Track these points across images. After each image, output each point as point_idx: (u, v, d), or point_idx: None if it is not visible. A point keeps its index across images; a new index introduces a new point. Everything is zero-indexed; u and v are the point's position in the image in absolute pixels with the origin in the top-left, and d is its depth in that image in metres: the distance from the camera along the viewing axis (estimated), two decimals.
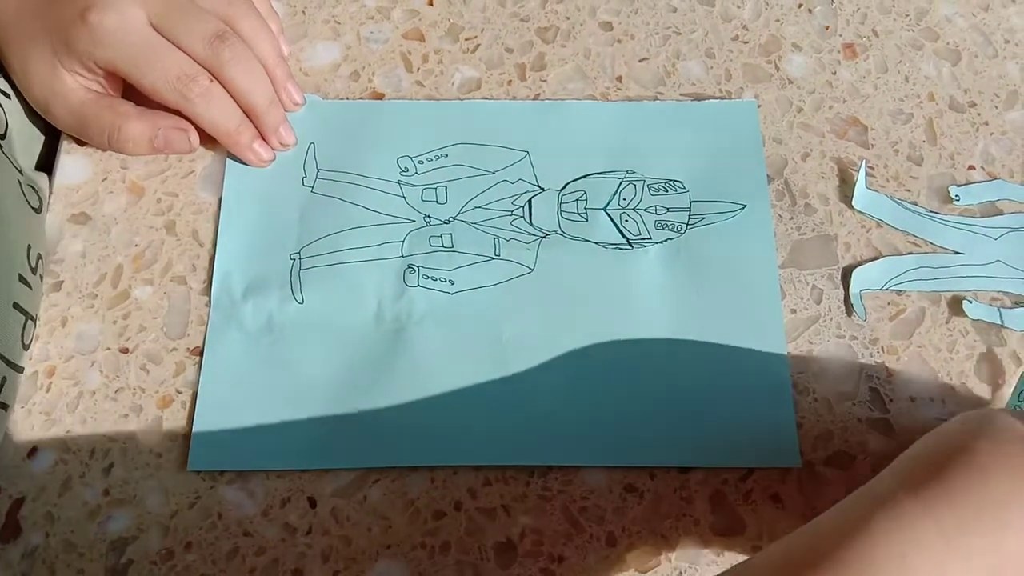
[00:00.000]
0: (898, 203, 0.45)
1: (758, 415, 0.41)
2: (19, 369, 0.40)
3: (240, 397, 0.41)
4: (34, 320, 0.41)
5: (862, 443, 0.41)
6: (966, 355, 0.43)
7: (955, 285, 0.44)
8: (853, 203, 0.45)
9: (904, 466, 0.33)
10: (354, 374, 0.41)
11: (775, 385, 0.41)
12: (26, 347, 0.41)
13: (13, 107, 0.44)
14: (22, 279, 0.40)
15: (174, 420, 0.40)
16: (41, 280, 0.42)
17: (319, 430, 0.40)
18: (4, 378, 0.39)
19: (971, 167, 0.47)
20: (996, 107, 0.48)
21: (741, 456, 0.40)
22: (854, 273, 0.44)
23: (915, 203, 0.45)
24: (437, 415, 0.40)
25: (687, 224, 0.45)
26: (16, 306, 0.39)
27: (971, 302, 0.43)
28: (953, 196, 0.45)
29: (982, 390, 0.42)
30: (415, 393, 0.41)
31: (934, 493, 0.31)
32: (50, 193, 0.45)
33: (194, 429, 0.40)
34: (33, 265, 0.41)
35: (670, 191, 0.45)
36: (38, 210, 0.42)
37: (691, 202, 0.45)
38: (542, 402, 0.41)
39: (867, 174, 0.46)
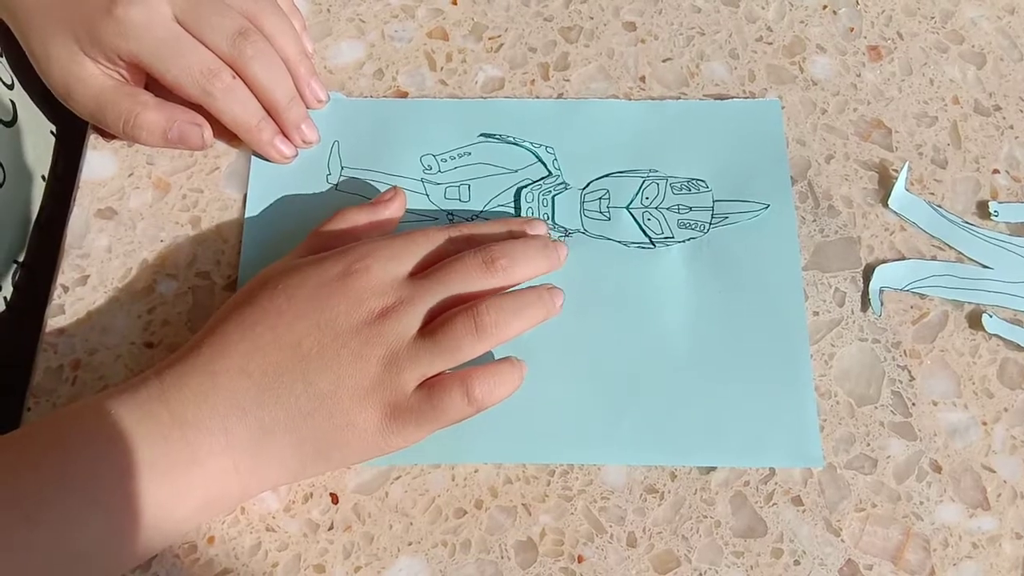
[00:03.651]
0: (935, 209, 0.45)
1: (780, 415, 0.41)
2: None
3: None
4: None
5: (884, 447, 0.41)
6: (989, 360, 0.42)
7: (978, 298, 0.43)
8: (889, 203, 0.45)
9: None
10: None
11: (797, 385, 0.41)
12: None
13: (20, 97, 0.45)
14: None
15: None
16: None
17: None
18: None
19: (996, 171, 0.46)
20: (1021, 111, 0.48)
21: (763, 456, 0.40)
22: (877, 269, 0.44)
23: (951, 211, 0.45)
24: None
25: (710, 223, 0.45)
26: None
27: (991, 316, 0.43)
28: (992, 211, 0.45)
29: (1005, 395, 0.42)
30: None
31: (173, 361, 0.36)
32: (76, 189, 0.45)
33: None
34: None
35: (693, 190, 0.45)
36: (9, 123, 0.42)
37: (714, 201, 0.45)
38: (564, 400, 0.41)
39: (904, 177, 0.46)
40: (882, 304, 0.43)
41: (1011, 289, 0.43)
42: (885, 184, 0.46)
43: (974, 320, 0.43)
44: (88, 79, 0.43)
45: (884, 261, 0.44)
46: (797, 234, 0.44)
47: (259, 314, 0.37)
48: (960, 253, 0.44)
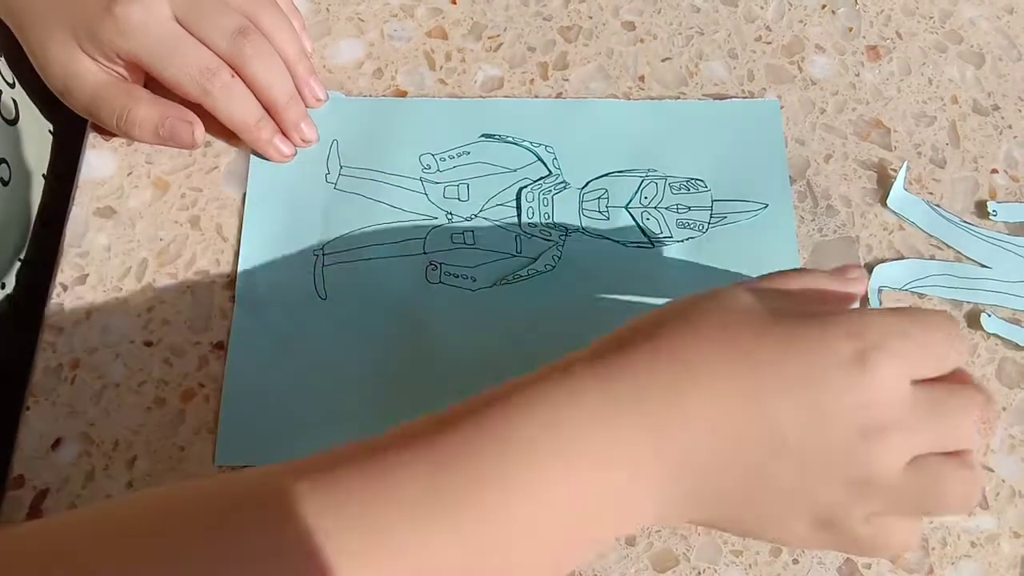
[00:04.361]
0: (933, 208, 0.45)
1: None
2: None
3: (265, 393, 0.41)
4: None
5: None
6: (988, 359, 0.42)
7: (977, 297, 0.44)
8: (888, 202, 0.45)
9: (603, 337, 0.32)
10: (377, 370, 0.41)
11: None
12: None
13: (20, 97, 0.45)
14: None
15: (197, 413, 0.41)
16: (4, 184, 0.42)
17: (342, 426, 0.40)
18: None
19: (994, 170, 0.47)
20: (1020, 110, 0.48)
21: None
22: (876, 268, 0.44)
23: (949, 210, 0.45)
24: None
25: (708, 223, 0.45)
26: None
27: (990, 316, 0.43)
28: (991, 211, 0.45)
29: (1003, 394, 0.42)
30: (437, 389, 0.41)
31: (612, 361, 0.30)
32: (75, 188, 0.45)
33: (220, 425, 0.40)
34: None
35: (692, 190, 0.45)
36: (12, 122, 0.42)
37: (713, 201, 0.45)
38: None
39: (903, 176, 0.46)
40: (881, 304, 0.43)
41: (1010, 288, 0.43)
42: (884, 184, 0.46)
43: (972, 320, 0.43)
44: (85, 75, 0.43)
45: (883, 260, 0.44)
46: (795, 234, 0.45)
47: (728, 348, 0.30)
48: (959, 253, 0.44)
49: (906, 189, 0.45)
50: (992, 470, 0.40)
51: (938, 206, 0.45)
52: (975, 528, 0.39)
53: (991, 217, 0.45)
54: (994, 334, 0.43)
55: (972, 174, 0.46)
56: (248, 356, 0.42)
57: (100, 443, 0.40)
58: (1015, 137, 0.47)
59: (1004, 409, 0.42)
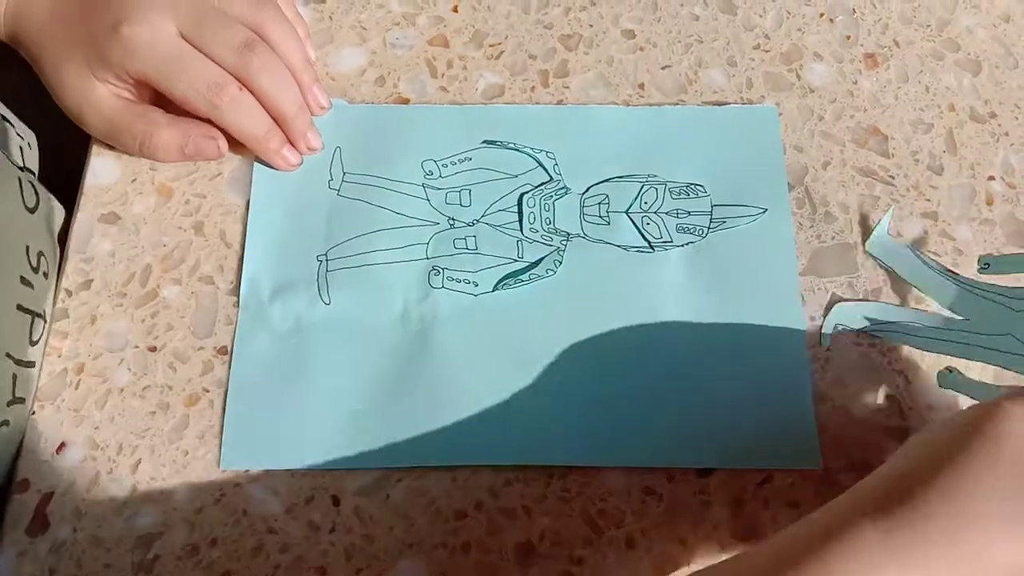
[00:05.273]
0: (918, 256, 0.43)
1: (778, 417, 0.41)
2: (29, 364, 0.41)
3: (269, 397, 0.41)
4: (42, 316, 0.42)
5: (881, 451, 0.41)
6: (983, 364, 0.43)
7: (949, 349, 0.41)
8: (867, 247, 0.44)
9: (873, 484, 0.30)
10: (380, 374, 0.42)
11: (795, 387, 0.42)
12: (34, 343, 0.41)
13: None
14: (24, 280, 0.40)
15: (200, 418, 0.41)
16: (46, 277, 0.42)
17: (346, 430, 0.41)
18: (15, 375, 0.39)
19: (991, 177, 0.47)
20: (1017, 118, 0.48)
21: (761, 458, 0.40)
22: (836, 307, 0.43)
23: (938, 258, 0.43)
24: (461, 415, 0.41)
25: (708, 228, 0.45)
26: (20, 307, 0.40)
27: (951, 372, 0.40)
28: (981, 264, 0.41)
29: None
30: (440, 393, 0.41)
31: (896, 517, 0.28)
32: (79, 194, 0.46)
33: (225, 430, 0.41)
34: (34, 264, 0.41)
35: (691, 195, 0.46)
36: (33, 209, 0.42)
37: (712, 206, 0.46)
38: (564, 402, 0.41)
39: (886, 216, 0.44)
40: (831, 345, 0.42)
41: (989, 342, 0.40)
42: (883, 187, 0.46)
43: (935, 375, 0.41)
44: (99, 103, 0.44)
45: (879, 269, 0.44)
46: (794, 238, 0.45)
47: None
48: (938, 306, 0.42)
49: (890, 234, 0.44)
50: None
51: (921, 253, 0.43)
52: None
53: (981, 270, 0.41)
54: (960, 393, 0.40)
55: (969, 181, 0.47)
56: (252, 361, 0.42)
57: (105, 447, 0.41)
58: (1012, 145, 0.48)
59: None
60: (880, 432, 0.41)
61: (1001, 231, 0.46)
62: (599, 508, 0.40)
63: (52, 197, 0.45)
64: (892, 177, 0.47)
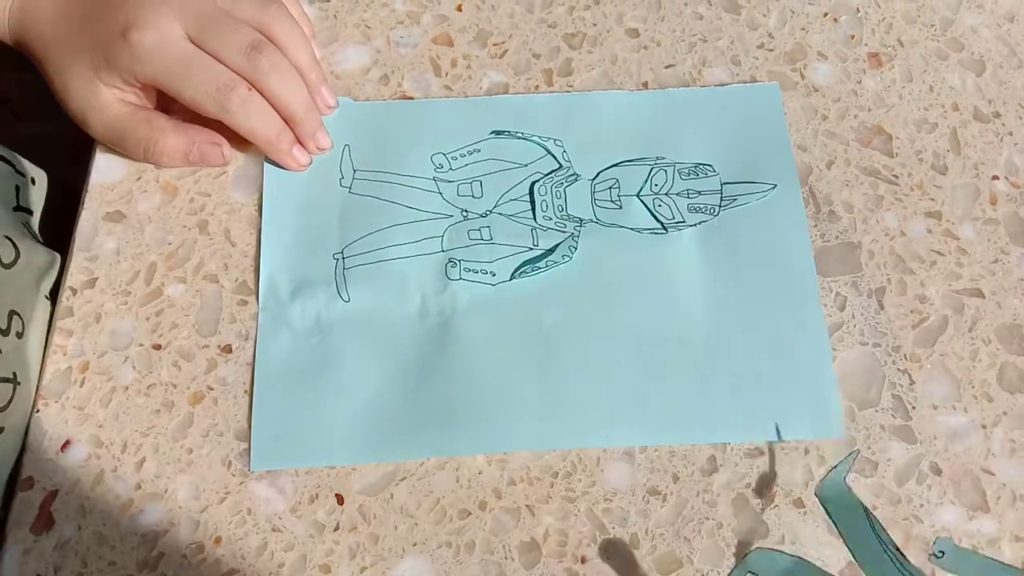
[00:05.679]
0: (870, 520, 0.33)
1: (800, 388, 0.42)
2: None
3: (293, 396, 0.41)
4: (11, 381, 0.39)
5: (884, 450, 0.41)
6: (988, 364, 0.43)
7: None
8: (816, 490, 0.34)
9: None
10: (403, 368, 0.42)
11: (816, 358, 0.42)
12: (5, 408, 0.39)
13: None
14: None
15: (205, 416, 0.41)
16: (19, 336, 0.41)
17: (372, 424, 0.41)
18: None
19: (995, 177, 0.47)
20: (1020, 117, 0.48)
21: (786, 429, 0.41)
22: (754, 552, 0.35)
23: (884, 527, 0.33)
24: (486, 404, 0.41)
25: (719, 206, 0.45)
26: None
27: (940, 556, 0.32)
28: (936, 551, 0.33)
29: (1004, 399, 0.42)
30: (462, 384, 0.42)
31: None
32: (84, 192, 0.46)
33: (253, 432, 0.41)
34: (4, 326, 0.39)
35: (700, 175, 0.46)
36: (9, 265, 0.41)
37: (722, 184, 0.46)
38: (586, 386, 0.42)
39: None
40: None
41: None
42: (887, 186, 0.46)
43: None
44: (103, 108, 0.44)
45: (883, 267, 0.44)
46: (805, 211, 0.45)
47: None
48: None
49: (847, 484, 0.34)
50: (993, 474, 0.41)
51: (875, 520, 0.33)
52: (976, 532, 0.40)
53: (932, 558, 0.33)
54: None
55: (973, 180, 0.47)
56: (276, 362, 0.42)
57: (109, 445, 0.41)
58: (1016, 144, 0.48)
59: (1005, 414, 0.42)
60: (884, 431, 0.41)
61: (1005, 231, 0.46)
62: (604, 508, 0.40)
63: (39, 247, 0.43)
64: (896, 176, 0.47)
